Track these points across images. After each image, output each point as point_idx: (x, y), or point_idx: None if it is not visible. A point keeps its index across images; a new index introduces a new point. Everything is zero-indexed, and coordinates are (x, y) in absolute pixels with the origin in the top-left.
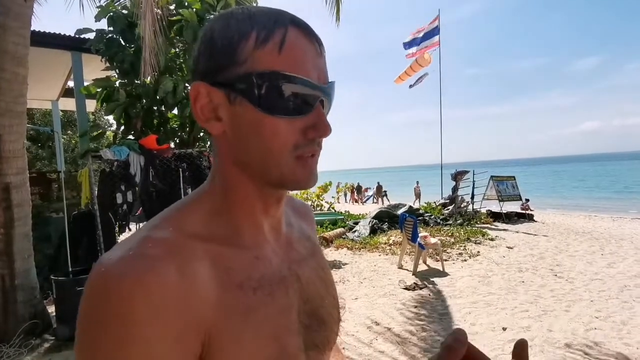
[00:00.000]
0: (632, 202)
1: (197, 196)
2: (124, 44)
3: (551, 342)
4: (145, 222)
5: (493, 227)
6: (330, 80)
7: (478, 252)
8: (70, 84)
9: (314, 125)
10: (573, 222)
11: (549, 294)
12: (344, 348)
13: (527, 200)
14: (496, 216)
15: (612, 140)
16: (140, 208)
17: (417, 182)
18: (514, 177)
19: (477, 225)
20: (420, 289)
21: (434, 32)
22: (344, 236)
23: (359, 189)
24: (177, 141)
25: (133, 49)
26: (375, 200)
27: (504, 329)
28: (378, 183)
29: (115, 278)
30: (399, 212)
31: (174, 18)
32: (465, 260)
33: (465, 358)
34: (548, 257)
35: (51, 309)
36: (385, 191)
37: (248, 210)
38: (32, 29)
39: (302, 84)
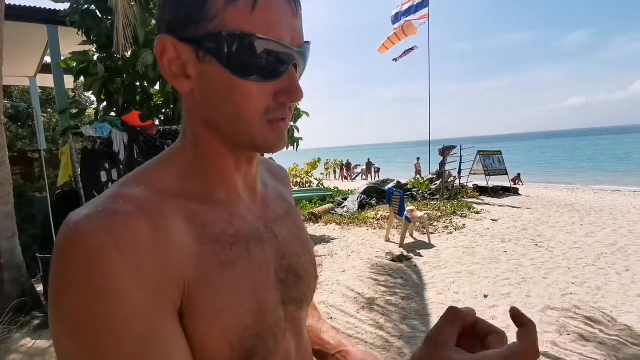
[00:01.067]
0: (614, 175)
1: (168, 155)
2: (100, 16)
3: (529, 307)
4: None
5: (479, 201)
6: (305, 41)
7: (464, 225)
8: (48, 59)
9: (286, 89)
10: (556, 195)
11: (529, 263)
12: (331, 318)
13: (519, 174)
14: (482, 190)
15: (598, 114)
16: None
17: (418, 159)
18: (500, 151)
19: (463, 200)
20: (407, 260)
21: (423, 4)
22: (332, 212)
23: (348, 165)
24: (162, 118)
25: (110, 21)
26: (364, 177)
27: (486, 296)
28: (368, 160)
29: (85, 234)
30: (387, 187)
31: None
32: (450, 233)
33: (471, 327)
34: (530, 228)
35: (39, 287)
36: (378, 168)
37: (220, 169)
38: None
39: (275, 47)
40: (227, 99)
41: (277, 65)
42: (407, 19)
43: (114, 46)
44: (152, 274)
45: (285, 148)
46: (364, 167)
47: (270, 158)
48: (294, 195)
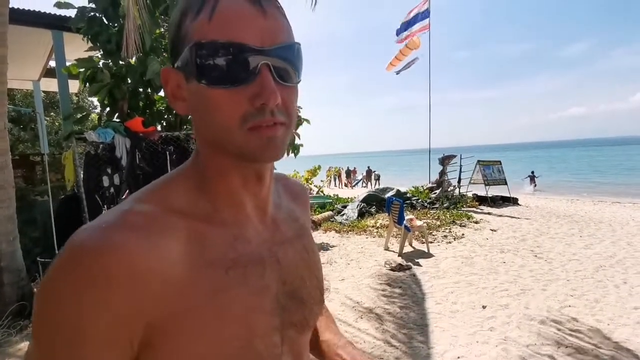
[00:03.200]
0: (614, 186)
1: (181, 171)
2: (106, 22)
3: (527, 319)
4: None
5: (478, 210)
6: (284, 43)
7: (463, 234)
8: (52, 63)
9: (259, 92)
10: (555, 205)
11: (528, 274)
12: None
13: (533, 173)
14: (482, 200)
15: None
16: (127, 191)
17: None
18: (499, 161)
19: (463, 209)
20: (406, 269)
21: (424, 14)
22: (332, 219)
23: (348, 173)
24: (164, 124)
25: (117, 28)
26: (364, 184)
27: (484, 307)
28: (368, 167)
29: (77, 249)
30: (387, 195)
31: None
32: (449, 242)
33: None
34: (529, 239)
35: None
36: (378, 175)
37: (226, 187)
38: (10, 6)
39: (235, 49)
40: (206, 111)
41: (244, 68)
42: (410, 30)
43: (123, 50)
44: (122, 303)
45: (286, 155)
46: (364, 173)
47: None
48: None
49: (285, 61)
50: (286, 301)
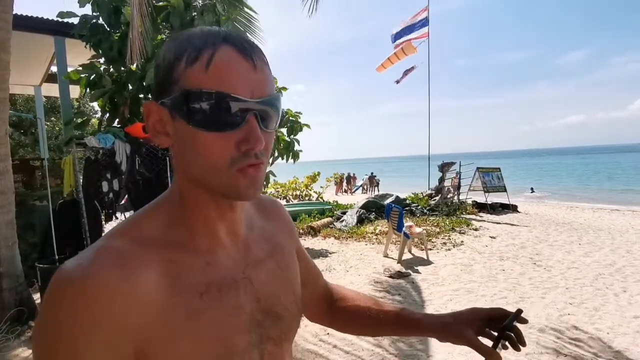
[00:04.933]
0: (612, 194)
1: (158, 204)
2: (109, 30)
3: (526, 327)
4: (130, 212)
5: (478, 217)
6: (270, 95)
7: (462, 241)
8: (54, 69)
9: (246, 138)
10: (555, 213)
11: (527, 282)
12: (328, 334)
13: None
14: (481, 207)
15: (597, 133)
16: (126, 196)
17: (457, 173)
18: (499, 168)
19: (462, 216)
20: (405, 277)
21: (422, 22)
22: (331, 225)
23: (348, 179)
24: None
25: (119, 34)
26: (364, 190)
27: None
28: (371, 173)
29: (62, 285)
30: (386, 202)
31: (161, 4)
32: (449, 250)
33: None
34: (529, 246)
35: (36, 296)
36: (378, 180)
37: (202, 218)
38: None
39: (228, 99)
40: (194, 151)
41: (234, 116)
42: (408, 37)
43: (127, 57)
44: (107, 332)
45: (285, 161)
46: (364, 179)
47: (270, 172)
48: (294, 209)
49: (269, 111)
50: (262, 317)
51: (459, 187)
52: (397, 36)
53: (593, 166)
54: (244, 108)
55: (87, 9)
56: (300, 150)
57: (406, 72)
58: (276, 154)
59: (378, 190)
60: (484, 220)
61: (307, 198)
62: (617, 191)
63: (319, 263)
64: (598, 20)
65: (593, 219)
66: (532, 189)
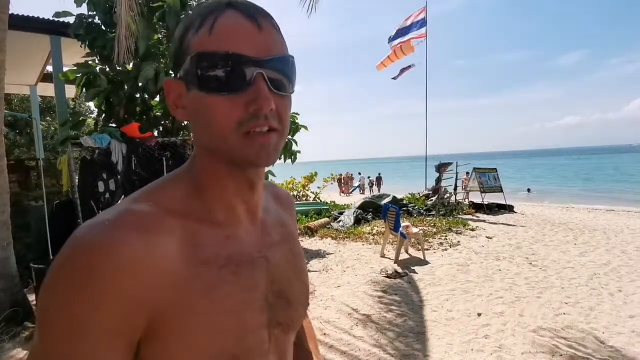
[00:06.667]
0: (608, 194)
1: (177, 175)
2: (104, 29)
3: (522, 326)
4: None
5: (475, 217)
6: (278, 55)
7: (458, 241)
8: (49, 68)
9: (254, 99)
10: (551, 213)
11: (523, 282)
12: (324, 334)
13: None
14: (478, 207)
15: (592, 134)
16: (123, 196)
17: (467, 173)
18: (495, 169)
19: (459, 216)
20: (402, 277)
21: (420, 23)
22: (328, 226)
23: (346, 180)
24: (161, 129)
25: (114, 33)
26: (361, 191)
27: (479, 314)
28: (379, 174)
29: (79, 245)
30: (383, 202)
31: (157, 4)
32: (445, 250)
33: None
34: (525, 246)
35: (31, 297)
36: (372, 181)
37: (220, 191)
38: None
39: (233, 59)
40: (204, 117)
41: (241, 77)
42: (406, 37)
43: (114, 57)
44: (122, 297)
45: (284, 161)
46: (360, 180)
47: (269, 171)
48: None
49: (279, 72)
50: (274, 300)
51: (455, 187)
52: (395, 36)
53: (589, 167)
54: (251, 68)
55: (84, 9)
56: (298, 151)
57: (403, 70)
58: None
59: (379, 191)
60: (481, 220)
61: (304, 198)
62: (612, 192)
63: (316, 263)
64: (594, 22)
65: (588, 219)
66: (528, 189)
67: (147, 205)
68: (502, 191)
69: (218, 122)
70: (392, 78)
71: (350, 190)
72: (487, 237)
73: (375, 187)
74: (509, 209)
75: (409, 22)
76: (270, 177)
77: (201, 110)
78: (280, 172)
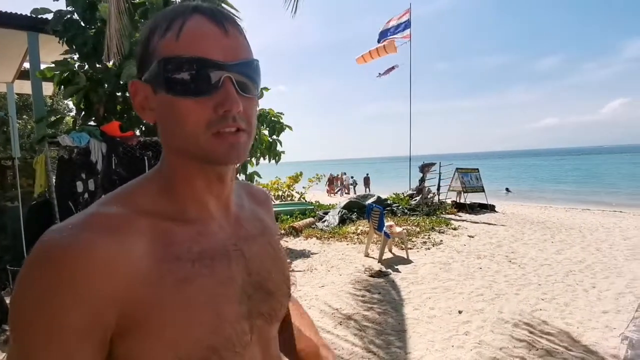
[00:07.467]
0: (584, 194)
1: (148, 176)
2: (83, 25)
3: (501, 323)
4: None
5: (457, 217)
6: (244, 59)
7: (441, 240)
8: (27, 65)
9: (222, 102)
10: (530, 212)
11: (503, 279)
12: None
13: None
14: (460, 207)
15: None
16: (102, 197)
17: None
18: (477, 169)
19: (442, 216)
20: (385, 275)
21: (405, 25)
22: (313, 226)
23: (331, 180)
24: (143, 128)
25: (94, 30)
26: (346, 192)
27: (460, 312)
28: (367, 174)
29: (47, 248)
30: (368, 202)
31: (138, 1)
32: (428, 249)
33: None
34: (505, 245)
35: (9, 299)
36: (355, 182)
37: (191, 189)
38: None
39: (201, 64)
40: (172, 119)
41: (208, 80)
42: (391, 37)
43: (104, 55)
44: (89, 297)
45: (268, 161)
46: (346, 180)
47: (255, 172)
48: (275, 209)
49: (245, 75)
50: (252, 291)
51: (438, 187)
52: (382, 35)
53: (566, 167)
54: (218, 72)
55: (62, 4)
56: (283, 152)
57: (388, 70)
58: (259, 154)
59: (369, 190)
60: (463, 220)
61: (289, 198)
62: (587, 192)
63: (301, 263)
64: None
65: (565, 218)
66: (507, 189)
67: (116, 207)
68: (484, 191)
69: (188, 124)
70: (377, 75)
71: (335, 191)
72: (469, 236)
73: (357, 188)
74: (490, 208)
75: (392, 24)
76: (255, 178)
77: (170, 113)
78: (266, 173)
